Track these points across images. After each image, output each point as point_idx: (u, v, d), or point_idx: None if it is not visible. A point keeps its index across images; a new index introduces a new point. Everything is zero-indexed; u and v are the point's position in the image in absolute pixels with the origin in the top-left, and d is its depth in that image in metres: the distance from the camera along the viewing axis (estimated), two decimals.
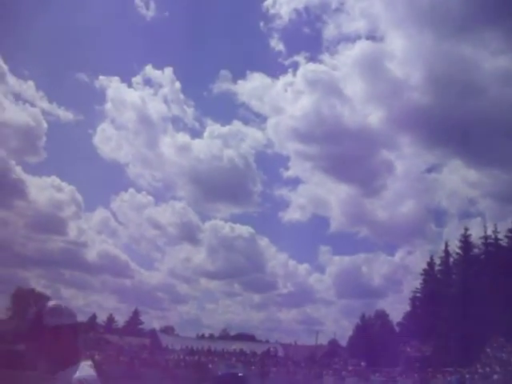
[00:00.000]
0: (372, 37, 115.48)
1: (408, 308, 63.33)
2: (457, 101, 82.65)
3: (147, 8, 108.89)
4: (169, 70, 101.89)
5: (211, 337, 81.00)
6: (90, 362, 2.33)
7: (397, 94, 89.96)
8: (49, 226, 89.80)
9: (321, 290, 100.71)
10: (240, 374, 41.85)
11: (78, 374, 2.20)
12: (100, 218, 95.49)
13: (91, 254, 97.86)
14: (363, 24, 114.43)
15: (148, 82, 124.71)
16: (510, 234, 50.01)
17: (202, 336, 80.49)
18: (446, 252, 58.24)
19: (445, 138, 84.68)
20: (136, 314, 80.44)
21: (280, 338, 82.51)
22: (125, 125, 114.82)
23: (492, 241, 51.66)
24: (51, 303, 2.30)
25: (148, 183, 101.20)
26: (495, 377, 36.55)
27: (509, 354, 39.85)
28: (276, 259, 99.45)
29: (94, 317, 78.34)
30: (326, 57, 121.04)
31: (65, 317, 2.28)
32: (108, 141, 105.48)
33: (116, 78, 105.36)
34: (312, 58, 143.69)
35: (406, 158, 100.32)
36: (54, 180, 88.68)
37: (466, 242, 54.27)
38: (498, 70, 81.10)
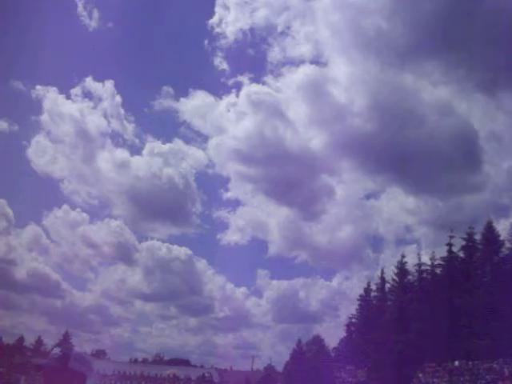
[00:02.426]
0: (316, 61, 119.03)
1: (344, 333, 63.88)
2: (398, 129, 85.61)
3: (90, 18, 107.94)
4: (110, 83, 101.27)
5: (144, 361, 78.85)
6: None
7: (339, 119, 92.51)
8: None
9: (258, 315, 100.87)
10: None
11: None
12: (31, 234, 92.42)
13: (20, 273, 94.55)
14: (308, 48, 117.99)
15: (87, 95, 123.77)
16: (443, 262, 51.22)
17: (135, 360, 78.24)
18: (382, 278, 59.23)
19: (385, 165, 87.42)
20: (66, 336, 77.11)
21: (216, 363, 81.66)
22: (61, 138, 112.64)
23: (428, 267, 52.82)
24: (78, 349, 2.45)
25: (83, 200, 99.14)
26: None
27: (440, 378, 40.62)
28: (213, 282, 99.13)
29: (21, 339, 74.76)
30: (269, 79, 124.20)
31: (87, 366, 2.42)
32: (43, 154, 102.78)
33: (54, 89, 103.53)
34: (256, 79, 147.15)
35: (346, 183, 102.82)
36: None
37: (401, 268, 55.30)
38: (437, 101, 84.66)
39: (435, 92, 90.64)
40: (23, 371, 49.50)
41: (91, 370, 2.47)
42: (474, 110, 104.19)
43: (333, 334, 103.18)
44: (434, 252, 53.24)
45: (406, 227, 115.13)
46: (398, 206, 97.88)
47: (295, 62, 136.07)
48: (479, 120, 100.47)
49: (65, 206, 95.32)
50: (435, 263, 52.06)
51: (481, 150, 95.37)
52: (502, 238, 45.96)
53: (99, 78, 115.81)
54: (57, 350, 2.40)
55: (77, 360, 2.35)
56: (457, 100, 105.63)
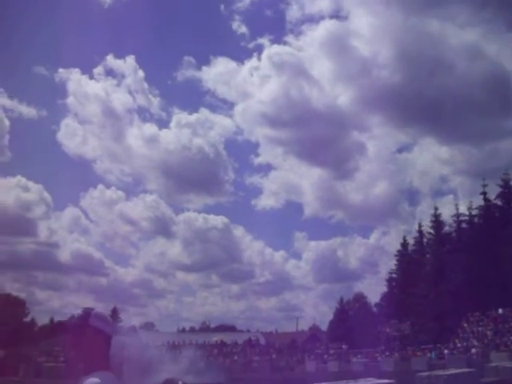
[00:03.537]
0: (336, 16, 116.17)
1: (385, 289, 64.19)
2: (426, 77, 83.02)
3: None
4: (131, 59, 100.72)
5: (192, 330, 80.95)
6: (111, 374, 2.42)
7: (365, 73, 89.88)
8: (18, 228, 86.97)
9: (298, 277, 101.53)
10: None
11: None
12: (70, 216, 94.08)
13: (64, 255, 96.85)
14: (327, 3, 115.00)
15: (110, 73, 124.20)
16: (480, 211, 50.80)
17: (183, 330, 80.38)
18: (420, 231, 59.10)
19: (416, 116, 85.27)
20: (114, 312, 79.60)
21: (261, 327, 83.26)
22: (89, 119, 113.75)
23: (466, 217, 52.45)
24: (97, 309, 2.50)
25: (117, 178, 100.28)
26: (473, 350, 37.29)
27: (485, 327, 40.74)
28: (252, 248, 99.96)
29: (72, 318, 77.39)
30: (290, 38, 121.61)
31: (108, 324, 2.48)
32: (73, 136, 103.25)
33: (76, 70, 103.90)
34: (276, 40, 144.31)
35: (377, 139, 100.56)
36: (20, 180, 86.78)
37: (437, 220, 55.07)
38: (466, 44, 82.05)
39: (463, 35, 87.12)
40: None
41: (114, 330, 2.52)
42: (504, 50, 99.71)
43: (374, 290, 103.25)
44: (471, 201, 52.86)
45: (441, 178, 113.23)
46: (431, 157, 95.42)
47: (315, 19, 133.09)
48: (511, 61, 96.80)
49: (100, 186, 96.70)
50: (473, 213, 51.74)
51: None
52: None
53: (120, 55, 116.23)
54: (79, 311, 2.47)
55: (98, 318, 2.41)
56: (486, 42, 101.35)
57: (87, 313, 2.43)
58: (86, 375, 2.32)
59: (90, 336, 2.38)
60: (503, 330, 39.63)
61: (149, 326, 79.51)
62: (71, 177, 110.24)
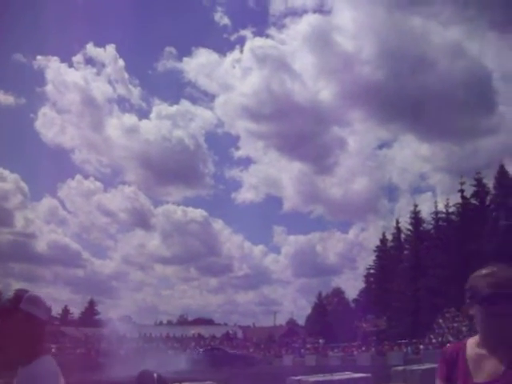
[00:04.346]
0: (320, 10, 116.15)
1: (363, 284, 64.75)
2: (408, 74, 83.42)
3: None
4: (111, 48, 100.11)
5: (169, 323, 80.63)
6: (51, 358, 2.29)
7: (348, 68, 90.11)
8: None
9: (277, 271, 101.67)
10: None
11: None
12: (47, 206, 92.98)
13: (41, 245, 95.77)
14: None
15: (90, 61, 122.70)
16: (458, 209, 51.35)
17: (160, 323, 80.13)
18: (398, 228, 59.62)
19: (397, 113, 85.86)
20: (91, 304, 79.11)
21: (238, 321, 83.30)
22: (67, 107, 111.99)
23: (443, 215, 52.97)
24: (31, 292, 2.31)
25: (95, 168, 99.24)
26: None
27: (460, 323, 41.26)
28: (231, 241, 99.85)
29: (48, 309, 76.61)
30: (273, 31, 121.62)
31: (41, 309, 2.28)
32: (51, 125, 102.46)
33: (55, 58, 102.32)
34: (259, 33, 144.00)
35: (358, 134, 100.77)
36: None
37: (415, 217, 55.59)
38: (448, 42, 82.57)
39: (446, 33, 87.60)
40: (53, 340, 50.93)
41: (47, 315, 2.35)
42: (486, 49, 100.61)
43: (352, 285, 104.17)
44: (448, 199, 53.42)
45: (421, 175, 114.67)
46: (411, 153, 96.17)
47: (298, 13, 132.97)
48: (492, 60, 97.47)
49: (78, 176, 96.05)
50: (450, 210, 52.31)
51: (495, 91, 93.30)
52: None
53: (100, 44, 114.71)
54: (11, 293, 2.32)
55: (30, 302, 2.23)
56: (469, 40, 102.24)
57: (19, 296, 2.25)
58: (25, 364, 2.19)
59: (20, 321, 2.21)
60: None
61: (126, 319, 79.09)
62: (49, 166, 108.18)
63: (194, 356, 40.23)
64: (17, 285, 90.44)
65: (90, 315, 77.02)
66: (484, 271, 1.88)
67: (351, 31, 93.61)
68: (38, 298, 2.29)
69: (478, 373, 1.84)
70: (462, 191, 50.34)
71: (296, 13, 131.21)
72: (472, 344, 1.93)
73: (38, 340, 2.28)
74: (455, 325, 42.09)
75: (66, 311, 79.92)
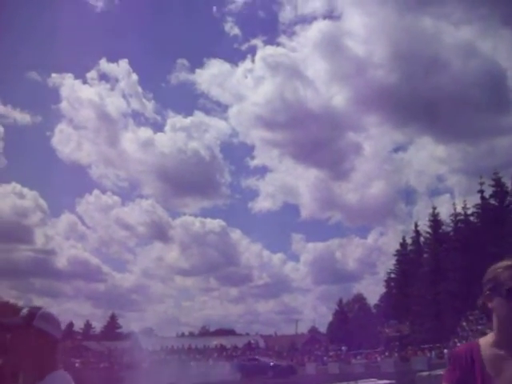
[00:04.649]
0: (329, 16, 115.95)
1: (384, 289, 64.19)
2: (422, 76, 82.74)
3: None
4: (124, 63, 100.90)
5: (191, 335, 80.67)
6: (64, 373, 2.32)
7: (360, 73, 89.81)
8: (14, 235, 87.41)
9: (297, 279, 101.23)
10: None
11: None
12: (66, 222, 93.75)
13: (61, 261, 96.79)
14: (320, 4, 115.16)
15: (103, 77, 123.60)
16: (477, 210, 50.83)
17: (182, 335, 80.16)
18: (417, 231, 59.10)
19: (412, 115, 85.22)
20: (113, 318, 79.60)
21: (260, 330, 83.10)
22: (83, 124, 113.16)
23: (462, 217, 52.44)
24: (45, 309, 2.35)
25: (113, 183, 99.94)
26: None
27: (485, 326, 40.71)
28: (250, 251, 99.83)
29: (70, 325, 77.13)
30: (283, 39, 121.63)
31: (54, 326, 2.31)
32: (67, 142, 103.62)
33: (69, 75, 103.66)
34: (270, 41, 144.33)
35: (373, 139, 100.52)
36: (15, 186, 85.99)
37: (434, 220, 55.06)
38: (461, 42, 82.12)
39: (458, 33, 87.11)
40: (76, 355, 51.28)
41: (60, 332, 2.36)
42: (500, 47, 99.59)
43: (373, 290, 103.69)
44: (465, 201, 52.86)
45: (438, 177, 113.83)
46: (428, 155, 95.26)
47: (308, 20, 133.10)
48: (506, 58, 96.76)
49: (95, 191, 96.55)
50: (468, 212, 51.74)
51: (510, 89, 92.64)
52: None
53: (113, 59, 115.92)
54: (25, 310, 2.31)
55: (43, 319, 2.26)
56: (481, 39, 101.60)
57: (32, 313, 2.28)
58: (38, 380, 2.23)
59: (33, 338, 2.24)
60: None
61: (148, 332, 79.39)
62: (66, 182, 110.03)
63: (232, 367, 40.21)
64: (38, 300, 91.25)
65: (112, 329, 77.55)
66: (507, 262, 1.78)
67: (362, 35, 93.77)
68: (51, 316, 2.33)
69: (499, 376, 1.67)
70: (481, 192, 49.83)
71: (306, 20, 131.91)
72: (487, 344, 1.76)
73: (51, 356, 2.31)
74: (479, 327, 41.55)
75: (88, 326, 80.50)
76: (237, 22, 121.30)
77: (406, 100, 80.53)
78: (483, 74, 79.09)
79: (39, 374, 2.25)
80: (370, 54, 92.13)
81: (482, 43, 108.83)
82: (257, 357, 42.28)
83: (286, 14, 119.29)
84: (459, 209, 52.72)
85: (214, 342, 61.00)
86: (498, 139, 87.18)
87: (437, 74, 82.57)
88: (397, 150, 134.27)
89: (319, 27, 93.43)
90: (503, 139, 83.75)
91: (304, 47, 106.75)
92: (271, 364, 37.92)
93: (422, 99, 78.00)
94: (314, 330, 76.15)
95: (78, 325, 79.94)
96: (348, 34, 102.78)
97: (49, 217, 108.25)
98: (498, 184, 48.66)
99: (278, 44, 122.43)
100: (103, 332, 78.02)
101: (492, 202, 49.51)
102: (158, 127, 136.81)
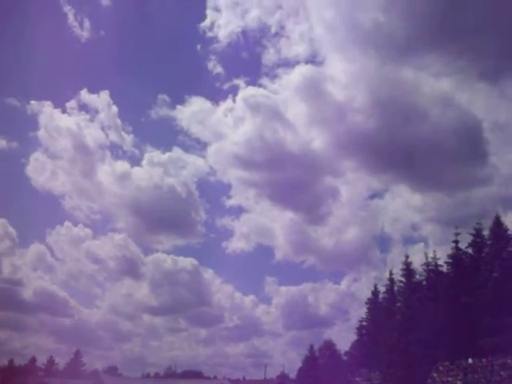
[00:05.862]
0: (312, 61, 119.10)
1: (355, 337, 63.52)
2: (400, 124, 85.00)
3: (82, 28, 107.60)
4: (105, 94, 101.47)
5: (157, 375, 78.61)
6: None
7: (340, 118, 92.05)
8: None
9: (268, 322, 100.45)
10: None
11: None
12: (35, 253, 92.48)
13: (27, 293, 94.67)
14: (303, 48, 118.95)
15: (83, 107, 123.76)
16: (449, 260, 50.94)
17: (147, 375, 78.05)
18: (391, 279, 58.97)
19: (389, 163, 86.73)
20: (77, 354, 77.02)
21: (228, 374, 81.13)
22: (59, 153, 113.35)
23: (432, 267, 52.45)
24: None
25: (85, 215, 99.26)
26: None
27: (455, 377, 40.39)
28: (221, 292, 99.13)
29: (33, 360, 74.64)
30: (265, 81, 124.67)
31: None
32: (42, 170, 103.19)
33: (49, 103, 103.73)
34: (252, 82, 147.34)
35: (350, 184, 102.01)
36: None
37: (407, 269, 55.03)
38: (439, 93, 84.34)
39: (437, 84, 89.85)
40: None
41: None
42: (476, 100, 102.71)
43: (344, 337, 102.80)
44: (435, 251, 52.88)
45: (413, 225, 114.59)
46: (404, 204, 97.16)
47: (291, 63, 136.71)
48: (482, 110, 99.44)
49: (67, 223, 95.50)
50: (439, 262, 51.73)
51: (486, 141, 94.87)
52: (510, 232, 45.35)
53: (94, 90, 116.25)
54: None
55: None
56: (459, 91, 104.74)
57: None
58: None
59: None
60: (473, 380, 39.28)
61: (112, 370, 77.02)
62: (38, 212, 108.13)
63: None
64: (1, 333, 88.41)
65: (75, 366, 74.93)
66: None
67: (343, 81, 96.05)
68: None
69: None
70: (456, 242, 49.97)
71: (289, 63, 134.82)
72: None
73: None
74: (450, 379, 41.17)
75: (51, 361, 77.68)
76: (220, 61, 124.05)
77: (384, 147, 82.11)
78: (460, 125, 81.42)
79: None
80: (351, 99, 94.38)
81: (460, 95, 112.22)
82: None
83: (269, 57, 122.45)
84: (430, 258, 52.79)
85: None
86: (473, 190, 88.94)
87: (415, 123, 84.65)
88: (373, 196, 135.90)
89: (301, 71, 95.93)
90: (478, 190, 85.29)
91: (285, 90, 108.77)
92: None
93: (399, 147, 79.65)
94: (283, 376, 74.71)
95: (41, 360, 77.18)
96: (329, 79, 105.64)
97: (17, 246, 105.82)
98: (479, 234, 48.77)
99: (260, 85, 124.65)
100: (66, 369, 75.34)
101: (469, 251, 49.57)
102: (136, 161, 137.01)
